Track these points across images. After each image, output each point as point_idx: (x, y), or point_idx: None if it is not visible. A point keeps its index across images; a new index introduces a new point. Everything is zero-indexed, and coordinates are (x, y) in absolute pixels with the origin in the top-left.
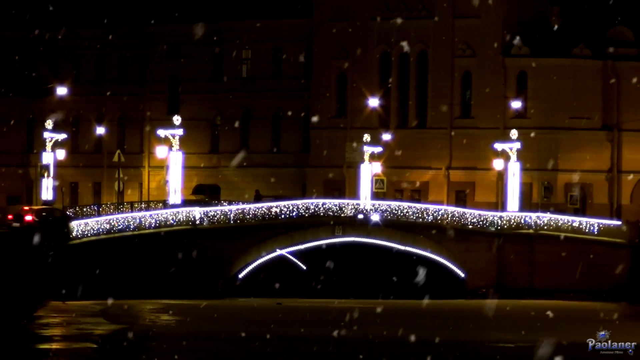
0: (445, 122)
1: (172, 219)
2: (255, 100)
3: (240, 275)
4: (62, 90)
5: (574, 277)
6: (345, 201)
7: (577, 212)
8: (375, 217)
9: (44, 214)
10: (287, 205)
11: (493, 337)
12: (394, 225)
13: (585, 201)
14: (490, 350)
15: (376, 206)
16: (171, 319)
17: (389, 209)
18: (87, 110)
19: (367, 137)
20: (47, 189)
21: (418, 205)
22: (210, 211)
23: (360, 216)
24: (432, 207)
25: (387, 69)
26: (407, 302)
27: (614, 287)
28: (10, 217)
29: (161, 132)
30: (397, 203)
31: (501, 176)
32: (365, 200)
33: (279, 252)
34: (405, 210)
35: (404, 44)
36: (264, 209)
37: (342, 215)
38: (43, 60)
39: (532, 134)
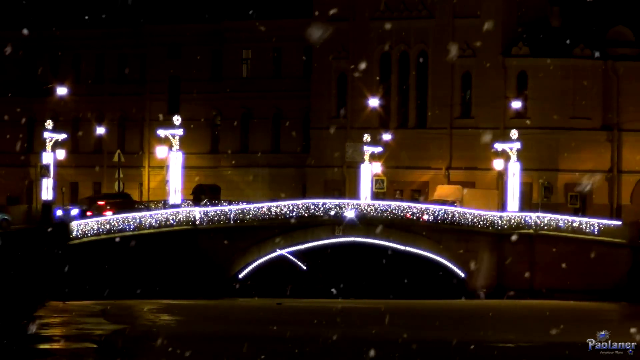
0: (445, 122)
1: (172, 219)
2: (255, 100)
3: (241, 276)
4: (62, 90)
5: (574, 277)
6: (345, 201)
7: (577, 212)
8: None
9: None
10: (287, 205)
11: (493, 337)
12: (393, 225)
13: (585, 201)
14: (490, 350)
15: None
16: (171, 319)
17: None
18: (87, 110)
19: (367, 137)
20: (47, 189)
21: (418, 205)
22: (210, 211)
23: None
24: (432, 207)
25: (387, 69)
26: (407, 302)
27: (614, 287)
28: (89, 213)
29: (161, 132)
30: (397, 203)
31: (501, 176)
32: (365, 200)
33: (279, 252)
34: (405, 210)
35: (404, 44)
36: (264, 209)
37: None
38: (43, 60)
39: (532, 134)
